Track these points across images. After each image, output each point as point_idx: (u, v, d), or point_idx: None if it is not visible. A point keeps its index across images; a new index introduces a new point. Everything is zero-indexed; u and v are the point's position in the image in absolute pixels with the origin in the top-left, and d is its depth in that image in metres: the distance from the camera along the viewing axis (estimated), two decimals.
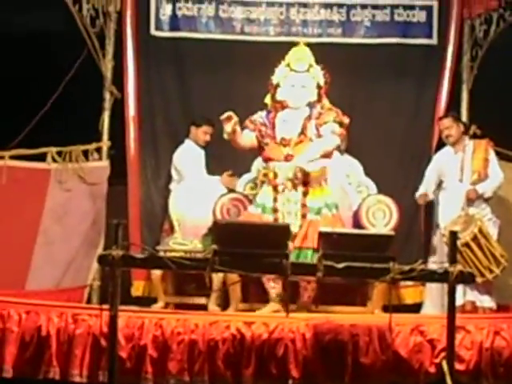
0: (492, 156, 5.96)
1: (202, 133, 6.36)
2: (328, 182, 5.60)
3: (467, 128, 6.10)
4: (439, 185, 6.13)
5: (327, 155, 5.47)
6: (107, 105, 6.78)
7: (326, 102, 5.58)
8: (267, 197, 5.38)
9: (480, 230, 5.53)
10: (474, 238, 5.49)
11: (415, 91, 6.74)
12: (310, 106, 5.48)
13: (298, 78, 5.42)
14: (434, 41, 6.79)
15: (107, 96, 6.78)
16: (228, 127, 5.26)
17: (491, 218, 5.88)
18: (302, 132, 5.38)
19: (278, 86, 5.48)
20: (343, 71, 6.63)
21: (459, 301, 5.43)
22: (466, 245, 5.46)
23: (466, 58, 6.76)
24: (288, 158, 5.35)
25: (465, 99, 6.75)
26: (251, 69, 6.51)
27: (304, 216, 5.28)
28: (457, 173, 5.92)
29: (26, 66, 7.02)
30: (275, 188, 5.36)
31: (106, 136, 6.75)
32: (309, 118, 5.42)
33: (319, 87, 5.49)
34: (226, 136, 5.36)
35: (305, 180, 5.34)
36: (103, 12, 6.76)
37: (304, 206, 5.31)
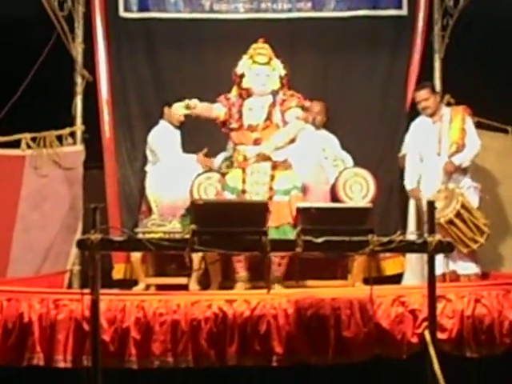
0: (469, 124, 5.94)
1: None
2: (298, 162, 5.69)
3: (442, 98, 6.12)
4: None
5: (292, 140, 5.63)
6: (79, 89, 6.73)
7: (283, 90, 5.72)
8: (237, 179, 5.53)
9: (462, 205, 5.53)
10: (458, 215, 5.50)
11: (388, 63, 6.74)
12: (274, 93, 5.66)
13: (261, 69, 5.64)
14: (404, 11, 6.78)
15: (79, 80, 6.73)
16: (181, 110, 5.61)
17: (471, 185, 5.88)
18: (268, 118, 5.59)
19: (242, 75, 5.67)
20: (315, 46, 6.66)
21: (440, 270, 5.49)
22: (450, 222, 5.48)
23: (437, 27, 6.76)
24: (257, 142, 5.54)
25: (437, 68, 6.75)
26: (222, 47, 6.50)
27: (270, 198, 5.38)
28: (434, 146, 5.91)
29: None
30: (244, 170, 5.52)
31: (79, 120, 6.71)
32: (273, 104, 5.62)
33: (281, 77, 5.66)
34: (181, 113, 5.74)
35: (272, 164, 5.52)
36: None
37: (271, 189, 5.48)
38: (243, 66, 5.70)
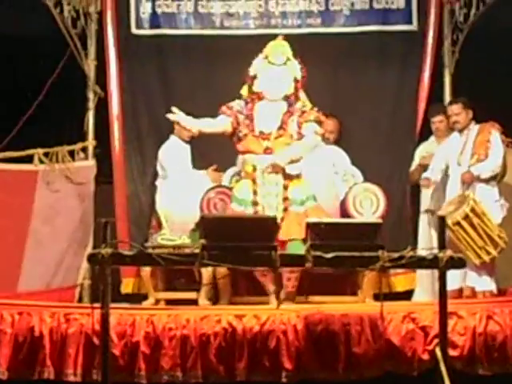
0: (494, 137, 5.79)
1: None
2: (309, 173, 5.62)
3: (474, 114, 5.95)
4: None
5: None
6: (91, 104, 6.79)
7: (304, 97, 5.58)
8: (247, 190, 5.37)
9: (472, 209, 5.43)
10: (466, 217, 5.40)
11: (398, 78, 6.75)
12: (287, 99, 5.49)
13: (276, 71, 5.43)
14: (414, 27, 6.79)
15: (91, 96, 6.78)
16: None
17: (498, 199, 5.75)
18: (282, 127, 5.39)
19: (255, 77, 5.46)
20: (325, 61, 6.67)
21: (456, 285, 5.45)
22: (458, 224, 5.39)
23: (447, 42, 6.76)
24: (267, 152, 5.35)
25: (447, 84, 6.76)
26: (232, 63, 6.49)
27: (286, 209, 5.25)
28: (457, 156, 5.85)
29: (9, 68, 6.98)
30: (254, 181, 5.35)
31: (91, 135, 6.76)
32: (288, 113, 5.43)
33: (296, 81, 5.47)
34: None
35: (284, 174, 5.36)
36: (84, 13, 6.75)
37: (286, 199, 5.30)
38: (257, 66, 5.49)
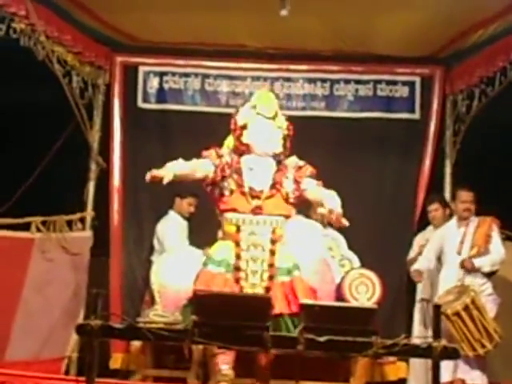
0: (495, 232, 5.87)
1: (187, 204, 6.37)
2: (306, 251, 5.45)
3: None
4: (438, 260, 6.06)
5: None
6: (92, 175, 6.82)
7: (294, 156, 5.29)
8: (227, 253, 4.94)
9: (473, 301, 5.43)
10: (466, 308, 5.40)
11: (399, 165, 6.81)
12: (275, 157, 5.12)
13: (266, 124, 5.07)
14: (416, 115, 6.89)
15: (93, 166, 6.82)
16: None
17: (491, 293, 5.76)
18: (274, 186, 5.01)
19: (245, 127, 5.05)
20: (327, 144, 6.73)
21: (448, 377, 5.36)
22: (457, 314, 5.38)
23: (449, 132, 6.85)
24: (256, 211, 4.92)
25: (448, 174, 6.81)
26: None
27: (271, 278, 4.92)
28: (456, 246, 5.85)
29: (13, 135, 7.05)
30: (237, 244, 4.93)
31: (90, 206, 6.76)
32: (280, 171, 5.06)
33: (284, 138, 5.13)
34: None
35: (272, 238, 4.96)
36: (92, 84, 6.85)
37: (271, 265, 4.90)
38: (246, 115, 5.08)
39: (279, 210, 5.02)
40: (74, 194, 6.77)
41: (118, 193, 6.81)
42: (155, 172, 4.81)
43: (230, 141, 5.23)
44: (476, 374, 5.57)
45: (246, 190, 4.94)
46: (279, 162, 5.12)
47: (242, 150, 5.04)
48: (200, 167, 5.03)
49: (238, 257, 4.88)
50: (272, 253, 4.91)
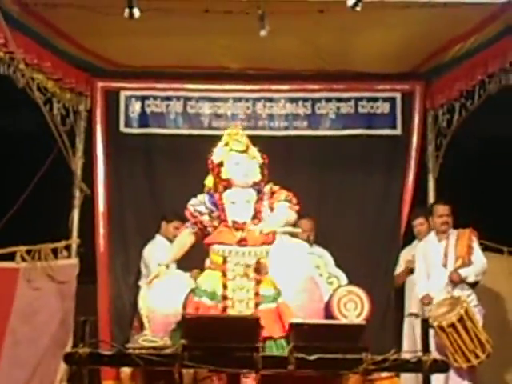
0: (475, 244, 5.97)
1: (173, 228, 6.35)
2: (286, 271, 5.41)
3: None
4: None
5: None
6: (77, 202, 6.78)
7: (270, 183, 5.27)
8: (215, 283, 5.04)
9: (466, 312, 5.47)
10: (460, 320, 5.43)
11: (382, 181, 6.84)
12: (256, 186, 5.18)
13: (241, 158, 5.16)
14: (398, 131, 6.93)
15: (77, 193, 6.79)
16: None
17: (477, 304, 5.83)
18: (256, 216, 5.08)
19: (221, 164, 5.16)
20: (310, 163, 6.75)
21: None
22: (452, 326, 5.40)
23: (431, 147, 6.89)
24: (242, 243, 5.01)
25: (431, 188, 6.84)
26: None
27: (257, 305, 4.98)
28: (440, 259, 5.91)
29: None
30: (224, 274, 5.01)
31: (75, 233, 6.72)
32: (260, 200, 5.13)
33: (261, 167, 5.19)
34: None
35: (257, 267, 5.02)
36: (73, 110, 6.83)
37: (257, 294, 4.99)
38: (220, 154, 5.20)
39: (263, 239, 5.09)
40: (59, 221, 6.73)
41: (104, 218, 6.78)
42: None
43: (209, 180, 5.31)
44: None
45: (230, 223, 5.05)
46: (259, 191, 5.19)
47: (223, 185, 5.16)
48: (186, 242, 5.22)
49: (224, 287, 5.00)
50: (257, 282, 5.01)
